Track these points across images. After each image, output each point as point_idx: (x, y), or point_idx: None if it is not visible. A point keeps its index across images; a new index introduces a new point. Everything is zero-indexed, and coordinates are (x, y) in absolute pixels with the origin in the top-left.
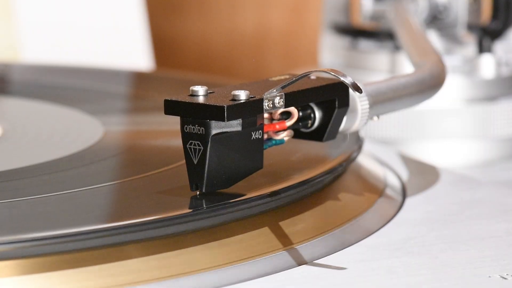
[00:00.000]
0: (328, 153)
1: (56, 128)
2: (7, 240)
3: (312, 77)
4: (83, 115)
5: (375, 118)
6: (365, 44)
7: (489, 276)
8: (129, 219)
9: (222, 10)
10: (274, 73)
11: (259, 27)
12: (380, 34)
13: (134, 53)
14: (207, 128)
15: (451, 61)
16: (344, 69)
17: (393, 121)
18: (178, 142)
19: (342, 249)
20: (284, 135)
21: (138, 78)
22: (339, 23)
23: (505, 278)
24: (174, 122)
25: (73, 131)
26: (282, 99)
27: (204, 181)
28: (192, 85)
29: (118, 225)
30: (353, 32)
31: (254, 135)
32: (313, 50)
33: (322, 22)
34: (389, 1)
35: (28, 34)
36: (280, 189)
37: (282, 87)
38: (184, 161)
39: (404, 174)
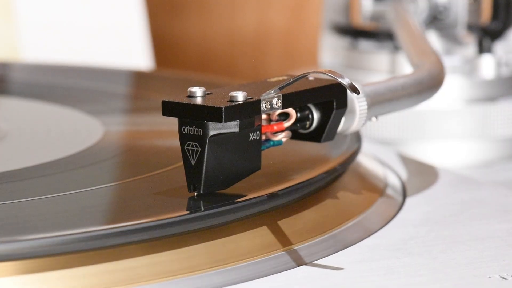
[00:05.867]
0: (328, 153)
1: (56, 128)
2: (7, 241)
3: (310, 78)
4: (83, 115)
5: (374, 118)
6: (365, 44)
7: (489, 277)
8: (128, 221)
9: (222, 10)
10: (274, 73)
11: (259, 27)
12: (380, 34)
13: (134, 53)
14: (205, 129)
15: (451, 62)
16: (344, 70)
17: (393, 122)
18: (177, 143)
19: (342, 249)
20: (282, 136)
21: (138, 78)
22: (339, 23)
23: (505, 278)
24: (173, 122)
25: (73, 131)
26: (279, 100)
27: (202, 182)
28: (192, 85)
29: (117, 227)
30: (353, 32)
31: (252, 136)
32: (313, 50)
33: (322, 22)
34: (389, 2)
35: (28, 34)
36: (279, 190)
37: (280, 88)
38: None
39: (404, 174)
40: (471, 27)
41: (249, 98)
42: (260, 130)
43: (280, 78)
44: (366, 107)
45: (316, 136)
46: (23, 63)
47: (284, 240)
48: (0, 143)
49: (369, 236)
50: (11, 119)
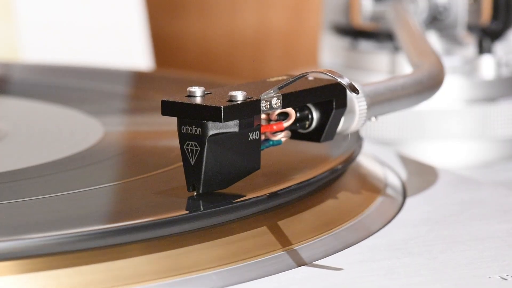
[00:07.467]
0: (328, 153)
1: (56, 128)
2: (7, 241)
3: (310, 78)
4: (83, 115)
5: (373, 118)
6: (365, 44)
7: (489, 277)
8: (127, 220)
9: (222, 10)
10: (274, 73)
11: (259, 27)
12: (380, 34)
13: (134, 53)
14: (204, 129)
15: (451, 62)
16: (344, 70)
17: (393, 122)
18: (176, 142)
19: (342, 249)
20: (282, 136)
21: (138, 78)
22: (339, 23)
23: (505, 279)
24: (173, 122)
25: (73, 131)
26: (279, 100)
27: (201, 181)
28: (192, 85)
29: (116, 226)
30: (353, 32)
31: (251, 136)
32: (313, 51)
33: (322, 23)
34: (389, 2)
35: (28, 34)
36: (279, 190)
37: (279, 88)
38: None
39: (404, 174)
40: (471, 28)
41: (248, 98)
42: (259, 129)
43: (280, 78)
44: (365, 107)
45: (316, 136)
46: (23, 63)
47: (284, 240)
48: (0, 143)
49: (369, 236)
50: (11, 119)
